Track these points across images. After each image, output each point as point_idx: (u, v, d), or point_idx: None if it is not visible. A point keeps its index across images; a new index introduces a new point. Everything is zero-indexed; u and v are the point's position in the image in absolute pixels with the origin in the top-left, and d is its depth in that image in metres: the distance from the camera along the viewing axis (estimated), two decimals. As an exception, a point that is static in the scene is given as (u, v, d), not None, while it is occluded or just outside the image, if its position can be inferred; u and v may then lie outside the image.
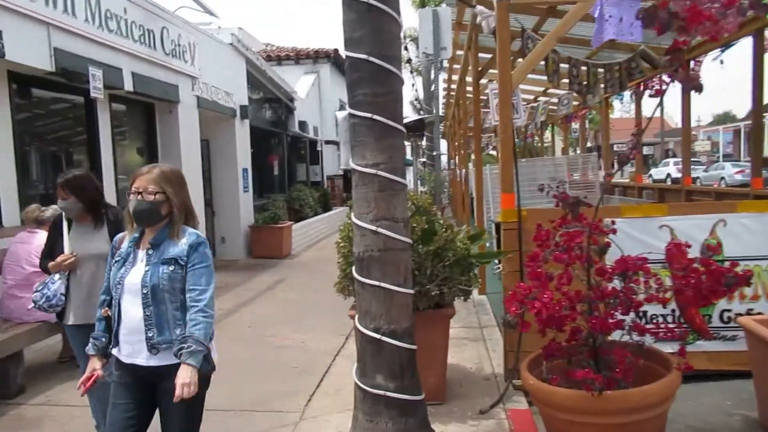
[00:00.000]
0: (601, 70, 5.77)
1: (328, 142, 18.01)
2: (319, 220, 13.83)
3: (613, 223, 2.97)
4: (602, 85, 5.57)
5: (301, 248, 11.91)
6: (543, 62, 4.55)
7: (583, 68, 5.46)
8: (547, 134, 21.49)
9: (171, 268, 2.23)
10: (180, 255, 2.26)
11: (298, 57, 17.20)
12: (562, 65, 5.00)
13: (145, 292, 2.22)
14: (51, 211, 4.45)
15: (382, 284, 2.72)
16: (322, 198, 15.74)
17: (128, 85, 6.72)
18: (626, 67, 5.90)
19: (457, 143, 15.28)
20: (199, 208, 8.67)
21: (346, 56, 2.77)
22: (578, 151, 15.39)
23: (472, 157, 8.58)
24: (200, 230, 2.52)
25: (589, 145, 18.34)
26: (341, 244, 3.79)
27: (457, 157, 15.91)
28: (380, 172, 2.71)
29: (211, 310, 2.30)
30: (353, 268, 2.89)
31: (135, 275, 2.26)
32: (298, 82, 15.86)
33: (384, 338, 2.72)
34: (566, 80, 5.50)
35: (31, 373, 4.41)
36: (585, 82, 5.24)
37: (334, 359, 4.78)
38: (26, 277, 4.17)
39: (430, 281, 3.48)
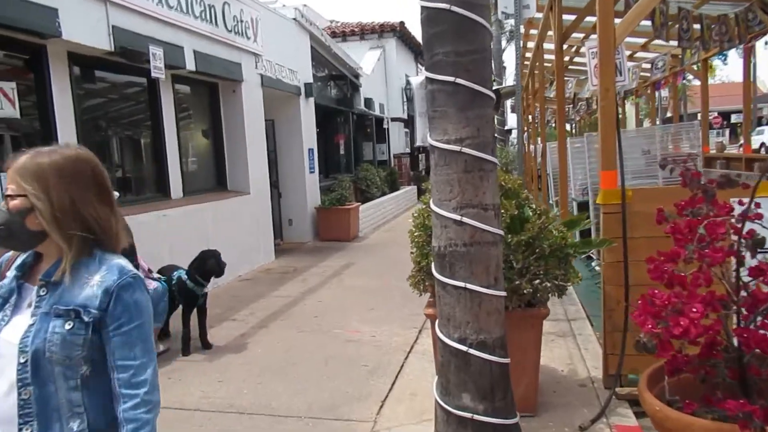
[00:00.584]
0: (713, 24, 4.97)
1: (394, 120, 17.52)
2: (386, 200, 13.44)
3: (758, 206, 2.34)
4: (716, 39, 4.78)
5: (369, 230, 11.57)
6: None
7: (696, 26, 4.69)
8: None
9: (68, 325, 1.33)
10: (87, 304, 1.34)
11: (363, 32, 16.71)
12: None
13: (23, 361, 1.32)
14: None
15: (469, 285, 2.24)
16: (389, 177, 15.34)
17: (190, 65, 6.49)
18: (743, 18, 5.05)
19: (530, 116, 14.38)
20: (265, 189, 8.45)
21: (422, 7, 2.26)
22: (652, 123, 14.08)
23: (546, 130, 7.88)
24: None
25: (669, 115, 16.83)
26: (415, 233, 3.33)
27: (527, 131, 15.00)
28: (465, 149, 2.21)
29: (156, 397, 1.41)
30: (431, 263, 2.42)
31: (12, 331, 1.36)
32: (363, 58, 15.39)
33: (471, 350, 2.24)
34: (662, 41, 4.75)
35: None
36: (697, 37, 4.49)
37: (407, 357, 4.36)
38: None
39: (521, 276, 2.97)
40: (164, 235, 5.94)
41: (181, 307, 4.60)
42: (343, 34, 16.49)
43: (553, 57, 7.98)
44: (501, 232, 2.32)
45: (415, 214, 3.45)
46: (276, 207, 10.01)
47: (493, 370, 2.27)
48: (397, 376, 3.96)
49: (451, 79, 2.20)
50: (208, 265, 4.55)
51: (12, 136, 4.82)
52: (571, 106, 14.28)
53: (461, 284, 2.25)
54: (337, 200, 10.17)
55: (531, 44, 10.28)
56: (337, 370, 4.11)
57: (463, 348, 2.26)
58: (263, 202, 8.36)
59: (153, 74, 5.74)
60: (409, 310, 5.60)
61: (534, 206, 3.13)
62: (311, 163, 10.35)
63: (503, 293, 2.33)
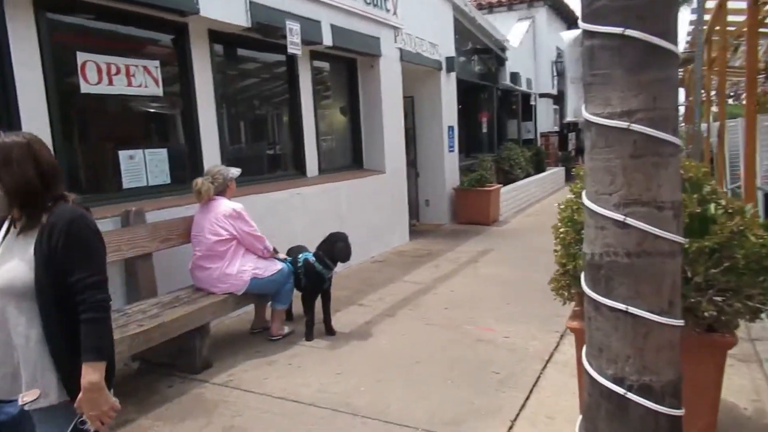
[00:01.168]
0: None
1: (542, 95, 16.38)
2: (530, 182, 12.58)
3: None
4: None
5: (510, 214, 10.87)
6: None
7: None
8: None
9: None
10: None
11: (510, 2, 15.72)
12: None
13: None
14: (234, 171, 4.19)
15: (632, 309, 1.68)
16: (534, 158, 14.38)
17: (327, 40, 6.33)
18: None
19: (703, 90, 12.48)
20: (401, 169, 8.18)
21: (582, -64, 1.70)
22: None
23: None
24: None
25: None
26: (561, 229, 2.78)
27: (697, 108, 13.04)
28: (635, 126, 1.64)
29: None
30: (579, 267, 1.90)
31: None
32: (511, 30, 14.47)
33: (631, 395, 1.69)
34: None
35: (222, 344, 4.29)
36: None
37: (545, 367, 3.80)
38: (209, 247, 3.96)
39: (700, 292, 2.29)
40: (298, 213, 5.90)
41: (305, 290, 4.45)
42: (489, 5, 15.65)
43: (739, 18, 6.66)
44: (682, 240, 1.71)
45: (562, 206, 2.87)
46: (413, 187, 9.73)
47: (660, 424, 1.70)
48: (531, 390, 3.44)
49: (618, 30, 1.63)
50: (336, 248, 4.35)
51: (155, 113, 4.99)
52: (764, 75, 12.14)
53: (621, 306, 1.70)
54: (477, 181, 9.62)
55: (710, 4, 8.78)
56: (464, 374, 3.69)
57: (620, 390, 1.71)
58: (399, 181, 8.10)
59: (289, 50, 5.65)
60: (551, 310, 4.94)
61: (723, 202, 2.40)
62: (451, 142, 9.89)
63: (680, 322, 1.73)
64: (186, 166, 4.98)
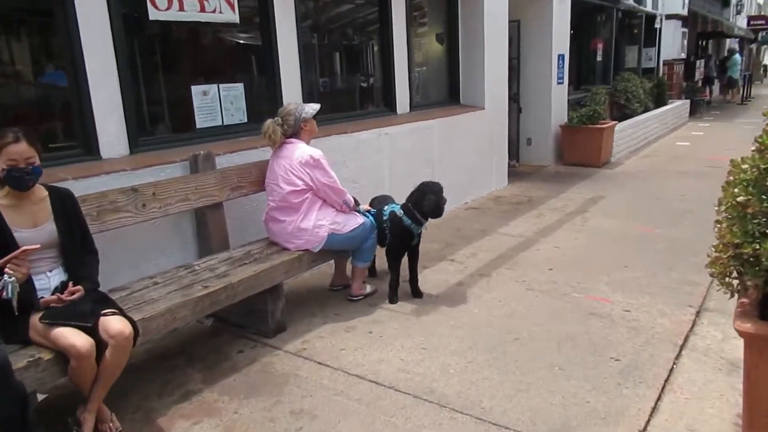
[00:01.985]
0: None
1: (669, 17, 14.32)
2: (649, 117, 11.14)
3: None
4: None
5: (623, 154, 9.69)
6: None
7: None
8: None
9: None
10: None
11: None
12: None
13: None
14: (309, 109, 3.65)
15: None
16: (655, 89, 12.77)
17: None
18: None
19: None
20: (503, 104, 7.31)
21: None
22: None
23: None
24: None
25: None
26: (733, 191, 2.01)
27: None
28: None
29: None
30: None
31: None
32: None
33: None
34: None
35: (298, 302, 3.94)
36: None
37: (679, 354, 3.09)
38: (283, 198, 3.52)
39: None
40: (385, 155, 5.34)
41: (390, 247, 3.95)
42: None
43: None
44: None
45: (735, 164, 2.09)
46: (514, 123, 8.82)
47: None
48: (663, 388, 2.77)
49: None
50: (427, 202, 3.77)
51: (231, 43, 4.52)
52: None
53: None
54: (588, 117, 8.52)
55: None
56: (574, 360, 3.08)
57: None
58: (500, 118, 7.26)
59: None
60: (680, 275, 4.21)
61: None
62: (560, 73, 8.77)
63: None
64: (265, 103, 4.53)
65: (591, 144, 8.56)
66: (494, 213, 6.24)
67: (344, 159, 4.84)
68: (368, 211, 3.95)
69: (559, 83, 8.78)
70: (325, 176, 3.54)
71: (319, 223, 3.55)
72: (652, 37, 13.67)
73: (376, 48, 5.81)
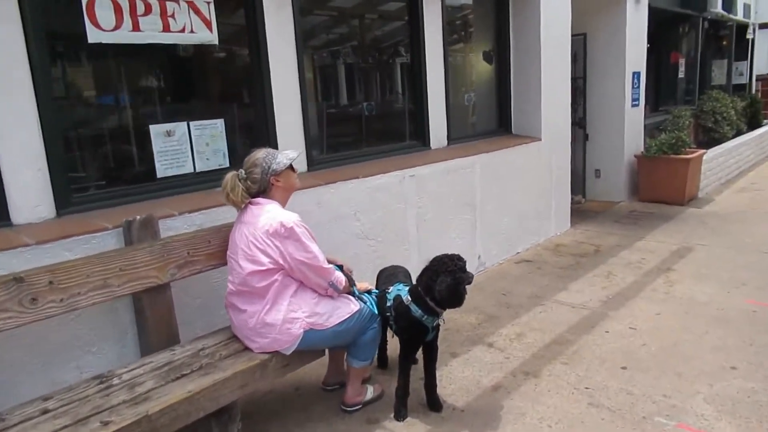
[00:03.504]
0: None
1: (763, 26, 12.58)
2: (743, 143, 9.53)
3: None
4: None
5: (713, 187, 8.19)
6: None
7: None
8: None
9: None
10: None
11: None
12: None
13: None
14: (283, 158, 2.68)
15: None
16: (748, 109, 11.09)
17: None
18: None
19: None
20: (564, 132, 6.13)
21: None
22: None
23: None
24: None
25: None
26: None
27: None
28: None
29: None
30: None
31: None
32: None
33: None
34: None
35: (270, 413, 2.95)
36: None
37: None
38: (244, 280, 2.55)
39: None
40: (410, 203, 4.31)
41: (399, 339, 2.91)
42: None
43: None
44: None
45: None
46: (579, 153, 7.60)
47: None
48: None
49: None
50: (440, 286, 2.66)
51: (214, 67, 3.66)
52: None
53: None
54: (670, 146, 7.16)
55: None
56: None
57: None
58: (561, 149, 6.08)
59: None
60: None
61: None
62: (635, 93, 7.48)
63: None
64: (253, 141, 3.63)
65: (673, 178, 7.18)
66: (551, 269, 5.06)
67: (354, 211, 3.86)
68: (368, 292, 2.93)
69: (633, 106, 7.49)
70: (300, 250, 2.55)
71: (292, 316, 2.56)
72: (743, 50, 11.99)
73: (403, 68, 4.83)
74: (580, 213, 7.05)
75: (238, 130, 3.65)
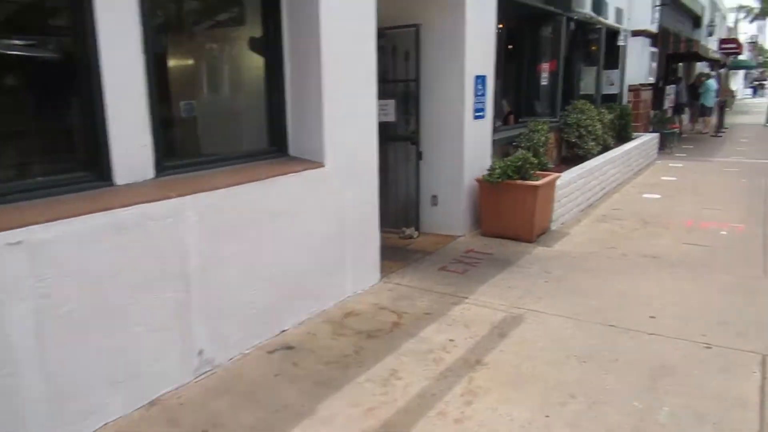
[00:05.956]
0: None
1: (636, 33, 11.88)
2: (608, 161, 8.48)
3: None
4: None
5: (571, 215, 6.99)
6: None
7: None
8: None
9: None
10: None
11: None
12: None
13: None
14: None
15: None
16: (617, 122, 10.23)
17: None
18: None
19: None
20: (367, 155, 4.53)
21: None
22: None
23: None
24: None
25: None
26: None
27: None
28: None
29: None
30: None
31: None
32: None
33: None
34: None
35: None
36: None
37: None
38: None
39: None
40: (12, 291, 2.46)
41: None
42: None
43: None
44: None
45: None
46: (412, 175, 6.09)
47: None
48: None
49: None
50: None
51: None
52: None
53: None
54: (516, 169, 5.80)
55: None
56: None
57: None
58: (362, 178, 4.47)
59: None
60: None
61: None
62: (479, 102, 6.06)
63: None
64: None
65: (520, 208, 5.83)
66: (312, 366, 3.39)
67: None
68: None
69: (477, 117, 6.06)
70: None
71: None
72: (615, 57, 11.17)
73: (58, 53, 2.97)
74: (407, 254, 5.53)
75: None
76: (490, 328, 3.87)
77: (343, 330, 3.88)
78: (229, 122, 4.17)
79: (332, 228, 4.18)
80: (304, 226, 3.93)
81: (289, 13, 3.95)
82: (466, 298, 4.41)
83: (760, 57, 55.36)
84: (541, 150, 6.89)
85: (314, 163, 4.02)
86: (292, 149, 4.15)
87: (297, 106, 4.08)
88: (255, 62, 4.09)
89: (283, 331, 3.83)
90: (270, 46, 3.99)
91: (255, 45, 4.06)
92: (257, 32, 4.01)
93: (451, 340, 3.69)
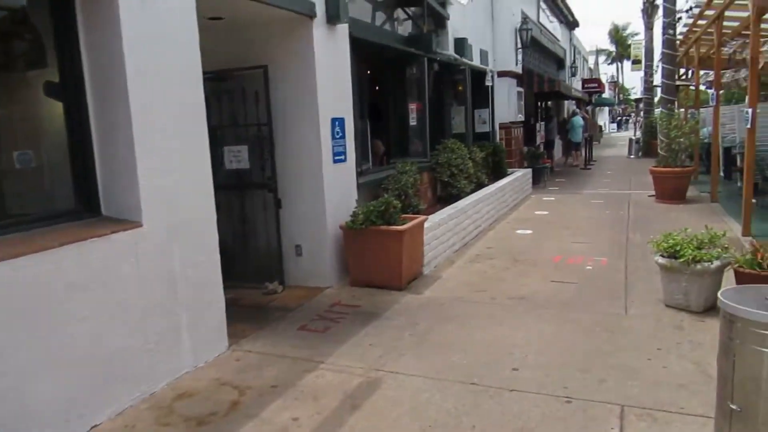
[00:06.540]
0: None
1: (502, 74, 12.37)
2: (481, 199, 8.50)
3: None
4: None
5: (444, 256, 6.81)
6: None
7: None
8: None
9: None
10: None
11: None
12: None
13: None
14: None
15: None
16: (490, 159, 10.43)
17: None
18: None
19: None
20: (203, 208, 4.02)
21: None
22: None
23: None
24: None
25: None
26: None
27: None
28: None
29: None
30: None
31: None
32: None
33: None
34: None
35: None
36: None
37: None
38: None
39: None
40: None
41: None
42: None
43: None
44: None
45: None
46: (272, 224, 5.62)
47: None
48: None
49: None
50: None
51: None
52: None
53: None
54: (379, 214, 5.51)
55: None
56: None
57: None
58: (198, 236, 3.94)
59: None
60: None
61: None
62: (338, 145, 5.76)
63: None
64: None
65: (386, 255, 5.52)
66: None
67: None
68: None
69: (337, 161, 5.75)
70: None
71: None
72: (484, 97, 11.50)
73: None
74: (266, 312, 5.01)
75: None
76: (342, 398, 3.44)
77: (170, 417, 3.28)
78: (24, 180, 3.51)
79: (157, 296, 3.59)
80: (117, 298, 3.32)
81: (89, 51, 3.41)
82: (322, 362, 3.96)
83: (621, 95, 61.22)
84: (410, 192, 6.71)
85: (130, 222, 3.45)
86: (106, 208, 3.55)
87: (107, 159, 3.51)
88: (56, 110, 3.50)
89: (95, 426, 3.16)
90: (69, 91, 3.42)
91: (51, 90, 3.47)
92: (54, 76, 3.43)
93: (294, 419, 3.21)
